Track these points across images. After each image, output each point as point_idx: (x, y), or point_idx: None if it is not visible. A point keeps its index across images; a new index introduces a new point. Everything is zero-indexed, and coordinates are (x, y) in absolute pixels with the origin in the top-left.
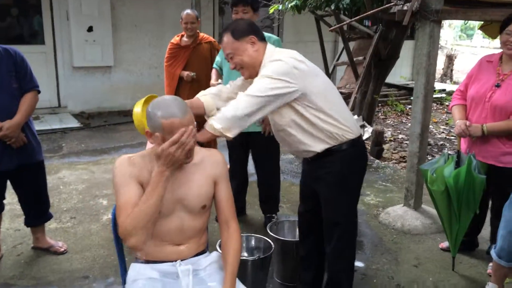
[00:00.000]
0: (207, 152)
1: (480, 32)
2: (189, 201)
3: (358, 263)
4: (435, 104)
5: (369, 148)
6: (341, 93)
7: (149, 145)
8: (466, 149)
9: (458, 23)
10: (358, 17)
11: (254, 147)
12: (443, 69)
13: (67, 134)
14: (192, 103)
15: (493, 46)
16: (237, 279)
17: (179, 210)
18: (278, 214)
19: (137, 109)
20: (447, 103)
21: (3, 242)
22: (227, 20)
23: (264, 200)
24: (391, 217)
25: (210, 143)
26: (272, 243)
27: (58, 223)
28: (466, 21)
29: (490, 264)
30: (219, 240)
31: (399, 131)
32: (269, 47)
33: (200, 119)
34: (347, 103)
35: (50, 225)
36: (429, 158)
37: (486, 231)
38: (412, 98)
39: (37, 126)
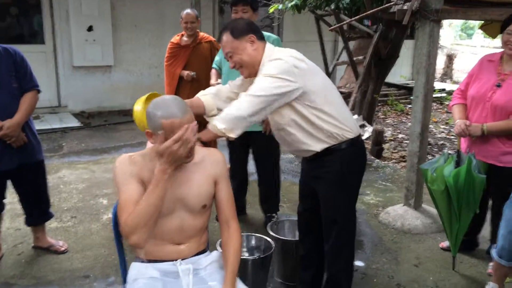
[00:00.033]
0: (207, 151)
1: (480, 31)
2: (189, 201)
3: (358, 263)
4: (435, 104)
5: (369, 147)
6: (341, 92)
7: (149, 145)
8: (466, 149)
9: (458, 22)
10: (358, 16)
11: (255, 146)
12: (443, 68)
13: (67, 134)
14: (192, 102)
15: (493, 45)
16: (237, 278)
17: (179, 210)
18: (278, 214)
19: (138, 107)
20: (447, 103)
21: (3, 241)
22: (227, 19)
23: (264, 199)
24: (391, 217)
25: (210, 142)
26: (272, 243)
27: (58, 222)
28: (466, 21)
29: (491, 263)
30: (220, 240)
31: (399, 131)
32: (269, 46)
33: (200, 119)
34: (347, 103)
35: (50, 224)
36: (429, 158)
37: (486, 230)
38: (412, 97)
39: (37, 125)
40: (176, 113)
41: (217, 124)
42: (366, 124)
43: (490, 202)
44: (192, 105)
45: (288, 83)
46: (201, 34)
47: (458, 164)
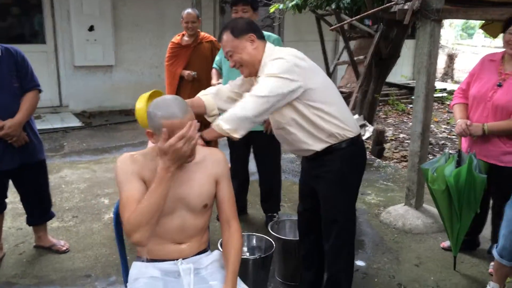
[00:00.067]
0: (208, 151)
1: (481, 31)
2: (190, 200)
3: (359, 262)
4: (436, 104)
5: (370, 147)
6: (342, 92)
7: (151, 144)
8: (467, 149)
9: (459, 22)
10: (358, 16)
11: (256, 146)
12: (444, 68)
13: (68, 133)
14: (193, 102)
15: (494, 45)
16: (238, 278)
17: (180, 209)
18: (279, 213)
19: (140, 105)
20: (448, 102)
21: (5, 241)
22: (227, 19)
23: (265, 199)
24: (392, 216)
25: (211, 142)
26: (273, 242)
27: (60, 222)
28: (467, 21)
29: (492, 263)
30: (221, 239)
31: (400, 131)
32: (269, 45)
33: (201, 118)
34: (348, 103)
35: (52, 224)
36: (430, 158)
37: (487, 230)
38: (413, 97)
39: (39, 125)
40: (177, 113)
41: (222, 124)
42: (367, 124)
43: (491, 202)
44: (193, 105)
45: (290, 82)
46: (202, 34)
47: (459, 163)
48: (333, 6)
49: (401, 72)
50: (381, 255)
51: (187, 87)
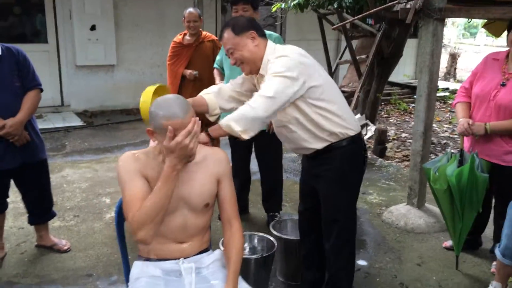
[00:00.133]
0: (210, 150)
1: (483, 30)
2: (191, 199)
3: (361, 262)
4: (438, 103)
5: (372, 146)
6: (343, 91)
7: (152, 143)
8: (469, 148)
9: (461, 21)
10: (361, 15)
11: (257, 145)
12: (446, 67)
13: (70, 133)
14: (195, 101)
15: (497, 44)
16: (240, 277)
17: (182, 208)
18: (281, 213)
19: (144, 99)
20: (450, 102)
21: (6, 240)
22: (229, 18)
23: (266, 198)
24: (394, 216)
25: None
26: (275, 242)
27: (61, 221)
28: (470, 20)
29: (494, 263)
30: (222, 238)
31: (402, 130)
32: (270, 43)
33: (203, 117)
34: (350, 102)
35: (53, 223)
36: (432, 157)
37: (489, 229)
38: (415, 96)
39: (40, 124)
40: (178, 113)
41: (232, 125)
42: (369, 123)
43: (493, 201)
44: (195, 104)
45: (297, 80)
46: (204, 33)
47: (461, 163)
48: (335, 5)
49: (403, 71)
50: (383, 255)
51: (188, 86)
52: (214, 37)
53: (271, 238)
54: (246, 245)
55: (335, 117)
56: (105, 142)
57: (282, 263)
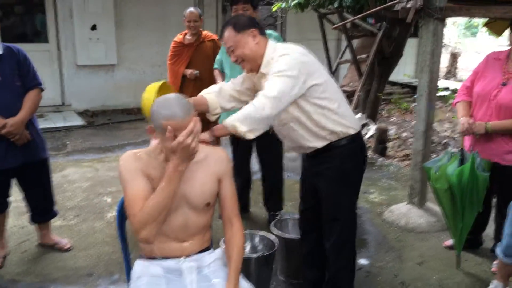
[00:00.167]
0: (210, 149)
1: (484, 30)
2: (192, 198)
3: (362, 261)
4: (439, 102)
5: (373, 146)
6: (344, 91)
7: (154, 143)
8: (470, 147)
9: (462, 21)
10: (361, 15)
11: (258, 144)
12: (447, 67)
13: (71, 132)
14: (195, 100)
15: (497, 44)
16: (241, 275)
17: (183, 207)
18: (282, 212)
19: (148, 96)
20: (451, 101)
21: (8, 239)
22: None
23: (268, 197)
24: (395, 215)
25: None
26: (276, 241)
27: (62, 220)
28: (470, 19)
29: (495, 262)
30: (223, 237)
31: (403, 129)
32: (270, 42)
33: (203, 117)
34: (351, 101)
35: (54, 222)
36: (433, 156)
37: (490, 229)
38: (416, 96)
39: (41, 124)
40: (178, 114)
41: (238, 125)
42: (370, 122)
43: (494, 201)
44: (196, 103)
45: (299, 79)
46: (204, 32)
47: (461, 162)
48: (336, 4)
49: (404, 70)
50: (384, 254)
51: (189, 86)
52: (214, 36)
53: (272, 237)
54: (247, 244)
55: (335, 115)
56: (106, 142)
57: (283, 262)
